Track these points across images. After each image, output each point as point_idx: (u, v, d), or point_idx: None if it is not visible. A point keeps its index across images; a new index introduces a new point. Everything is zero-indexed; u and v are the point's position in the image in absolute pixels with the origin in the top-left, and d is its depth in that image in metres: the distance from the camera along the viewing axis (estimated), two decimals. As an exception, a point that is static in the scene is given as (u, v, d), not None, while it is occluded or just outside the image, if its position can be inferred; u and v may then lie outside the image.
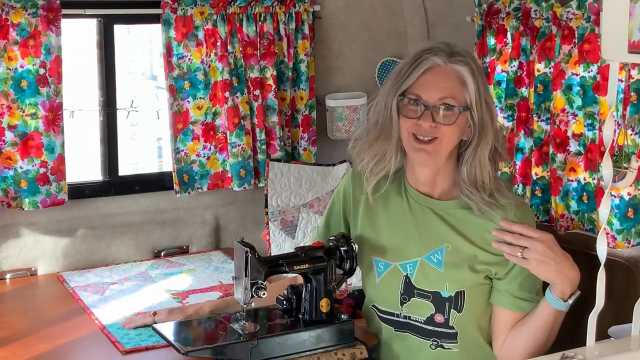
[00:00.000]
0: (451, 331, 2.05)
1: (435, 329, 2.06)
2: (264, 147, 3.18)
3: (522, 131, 2.84)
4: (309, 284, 2.09)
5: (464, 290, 2.02)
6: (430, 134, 1.97)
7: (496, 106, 2.99)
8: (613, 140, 2.15)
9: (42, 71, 2.80)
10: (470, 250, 2.02)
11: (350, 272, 2.11)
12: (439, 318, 2.04)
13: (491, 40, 2.99)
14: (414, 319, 2.08)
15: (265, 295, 2.02)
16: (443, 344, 2.06)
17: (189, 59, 3.07)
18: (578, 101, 2.63)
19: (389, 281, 2.11)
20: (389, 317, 2.12)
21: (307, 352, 2.05)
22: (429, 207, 2.08)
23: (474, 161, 2.01)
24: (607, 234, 2.47)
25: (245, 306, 2.03)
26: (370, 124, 2.10)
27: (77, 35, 3.36)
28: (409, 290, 2.08)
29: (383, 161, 2.08)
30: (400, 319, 2.10)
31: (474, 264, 2.02)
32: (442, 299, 2.04)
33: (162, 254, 3.10)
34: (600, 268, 1.77)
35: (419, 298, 2.06)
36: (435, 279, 2.04)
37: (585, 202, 2.64)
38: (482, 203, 2.00)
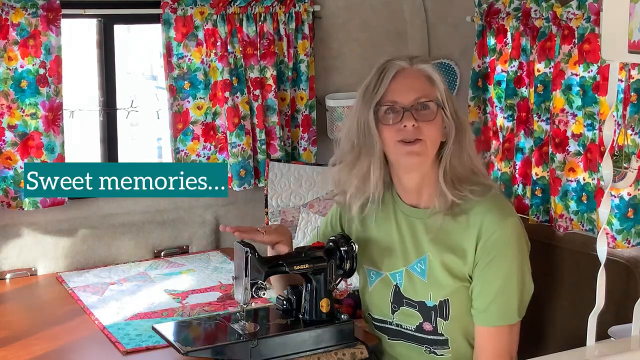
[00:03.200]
0: (441, 338, 2.05)
1: (426, 336, 2.06)
2: (264, 147, 3.18)
3: (522, 131, 2.84)
4: (309, 284, 2.09)
5: (447, 299, 2.02)
6: (414, 135, 1.97)
7: (496, 106, 3.00)
8: (613, 140, 2.15)
9: (42, 71, 2.80)
10: (448, 258, 2.02)
11: (350, 272, 2.11)
12: (428, 326, 2.05)
13: (491, 40, 2.99)
14: (405, 327, 2.08)
15: (265, 295, 2.02)
16: (435, 350, 2.06)
17: (189, 59, 3.07)
18: (578, 101, 2.63)
19: (380, 290, 2.11)
20: (382, 324, 2.13)
21: (307, 352, 2.05)
22: (413, 217, 2.08)
23: (456, 157, 2.00)
24: (607, 234, 2.47)
25: (245, 306, 2.03)
26: (344, 149, 2.07)
27: (77, 35, 3.36)
28: (398, 299, 2.08)
29: (366, 180, 2.05)
30: (393, 327, 2.11)
31: (453, 271, 2.02)
32: (428, 308, 2.04)
33: (162, 254, 3.10)
34: (600, 268, 1.77)
35: (408, 307, 2.07)
36: (420, 289, 2.05)
37: (585, 202, 2.64)
38: (452, 203, 1.99)
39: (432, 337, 2.05)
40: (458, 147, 2.01)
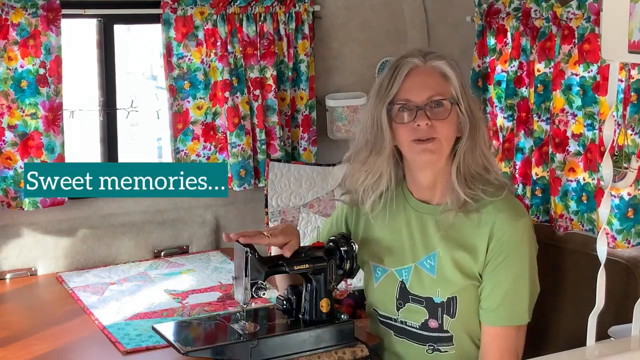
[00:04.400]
0: (446, 335, 2.05)
1: (431, 334, 2.06)
2: (264, 147, 3.18)
3: (522, 131, 2.84)
4: (309, 284, 2.09)
5: (455, 296, 2.02)
6: (428, 134, 1.97)
7: (496, 106, 2.99)
8: (613, 140, 2.15)
9: (42, 71, 2.80)
10: (459, 254, 2.02)
11: (350, 272, 2.10)
12: (433, 323, 2.05)
13: (491, 40, 2.99)
14: (410, 324, 2.08)
15: (265, 295, 2.02)
16: (439, 347, 2.06)
17: (189, 59, 3.07)
18: (577, 101, 2.63)
19: (386, 286, 2.11)
20: (387, 321, 2.13)
21: (307, 352, 2.05)
22: (425, 213, 2.08)
23: (469, 154, 2.00)
24: (607, 234, 2.47)
25: (245, 306, 2.03)
26: (359, 144, 2.08)
27: (77, 35, 3.36)
28: (403, 296, 2.08)
29: (378, 177, 2.06)
30: (398, 324, 2.11)
31: (464, 268, 2.01)
32: (435, 305, 2.04)
33: (162, 254, 3.10)
34: (601, 268, 1.77)
35: (413, 303, 2.07)
36: (428, 285, 2.05)
37: (585, 202, 2.64)
38: (465, 201, 1.99)
39: (436, 334, 2.05)
40: (472, 142, 2.01)
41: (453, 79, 2.00)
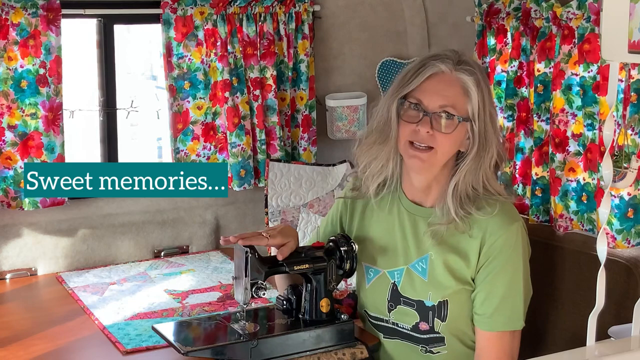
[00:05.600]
0: (437, 336, 2.05)
1: (422, 336, 2.06)
2: (264, 147, 3.18)
3: (522, 131, 2.84)
4: (309, 284, 2.09)
5: (447, 300, 2.02)
6: (427, 142, 1.95)
7: (496, 106, 2.99)
8: (613, 140, 2.15)
9: (42, 71, 2.80)
10: (451, 258, 2.01)
11: (350, 272, 2.11)
12: (424, 326, 2.05)
13: (491, 40, 2.99)
14: (401, 326, 2.08)
15: (265, 295, 2.02)
16: (432, 349, 2.06)
17: (189, 59, 3.07)
18: (577, 101, 2.63)
19: (377, 287, 2.11)
20: (378, 322, 2.13)
21: (307, 352, 2.05)
22: (418, 215, 2.07)
23: (471, 174, 1.98)
24: (607, 234, 2.46)
25: (245, 306, 2.03)
26: (371, 127, 2.08)
27: (77, 35, 3.36)
28: (395, 298, 2.08)
29: (381, 164, 2.07)
30: (389, 325, 2.11)
31: (455, 272, 2.01)
32: (426, 308, 2.03)
33: (162, 254, 3.10)
34: (600, 268, 1.77)
35: (405, 306, 2.07)
36: (420, 288, 2.04)
37: (585, 202, 2.63)
38: (454, 215, 1.98)
39: (427, 335, 2.05)
40: (476, 163, 1.99)
41: (474, 98, 1.95)
